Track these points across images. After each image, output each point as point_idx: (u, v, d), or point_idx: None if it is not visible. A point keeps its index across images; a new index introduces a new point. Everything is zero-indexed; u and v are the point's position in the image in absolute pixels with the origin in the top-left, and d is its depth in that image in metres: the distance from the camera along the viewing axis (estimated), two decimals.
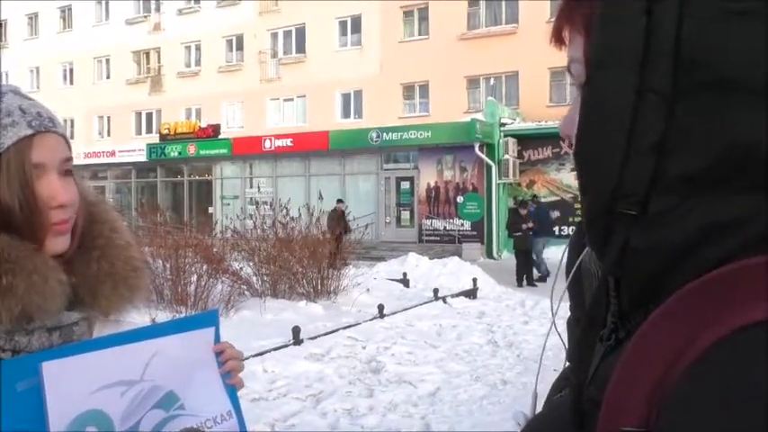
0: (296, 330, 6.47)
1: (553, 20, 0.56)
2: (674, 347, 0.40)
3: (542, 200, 17.69)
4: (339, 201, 16.51)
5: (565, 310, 0.66)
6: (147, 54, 28.55)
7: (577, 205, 15.41)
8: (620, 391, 0.43)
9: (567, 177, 18.13)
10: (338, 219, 15.48)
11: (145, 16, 28.33)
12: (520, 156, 18.77)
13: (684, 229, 0.44)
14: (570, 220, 17.49)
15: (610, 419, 0.43)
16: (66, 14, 30.78)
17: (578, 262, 0.60)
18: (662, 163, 0.44)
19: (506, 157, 18.18)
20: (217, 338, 1.08)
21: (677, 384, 0.39)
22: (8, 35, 32.40)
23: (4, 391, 0.81)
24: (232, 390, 1.08)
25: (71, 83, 30.47)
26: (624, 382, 0.43)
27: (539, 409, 0.67)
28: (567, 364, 0.63)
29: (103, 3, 29.56)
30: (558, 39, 0.55)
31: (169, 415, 0.98)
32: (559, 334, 0.67)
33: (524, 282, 12.32)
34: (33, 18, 31.76)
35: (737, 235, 0.42)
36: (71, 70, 30.47)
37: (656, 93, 0.44)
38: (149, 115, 28.32)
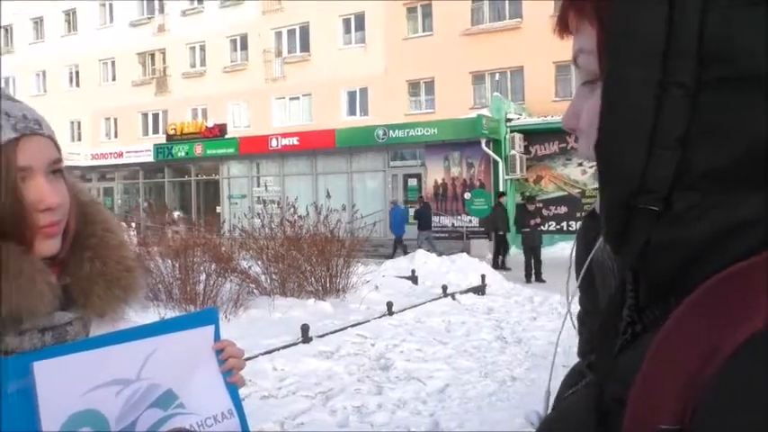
0: (305, 328, 6.47)
1: (558, 9, 0.54)
2: (708, 341, 0.39)
3: (550, 196, 18.25)
4: (502, 194, 15.33)
5: (576, 305, 0.66)
6: (152, 55, 28.64)
7: (584, 200, 15.32)
8: (649, 387, 0.41)
9: (575, 172, 18.07)
10: (501, 214, 14.67)
11: (149, 18, 28.42)
12: (526, 151, 18.70)
13: (708, 226, 0.43)
14: (577, 215, 17.43)
15: (639, 417, 0.41)
16: (70, 18, 30.92)
17: (591, 255, 0.58)
18: (685, 159, 0.43)
19: (513, 152, 18.13)
20: (217, 336, 1.06)
21: (714, 380, 0.38)
22: (14, 40, 32.58)
23: None
24: (233, 388, 1.07)
25: (77, 85, 30.61)
26: (653, 379, 0.41)
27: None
28: (578, 359, 0.62)
29: (108, 5, 29.67)
30: (563, 28, 0.53)
31: (167, 414, 0.97)
32: (575, 326, 0.66)
33: (533, 278, 12.29)
34: (38, 22, 31.91)
35: (759, 231, 0.42)
36: (77, 73, 30.61)
37: (680, 86, 0.43)
38: (156, 116, 28.42)
